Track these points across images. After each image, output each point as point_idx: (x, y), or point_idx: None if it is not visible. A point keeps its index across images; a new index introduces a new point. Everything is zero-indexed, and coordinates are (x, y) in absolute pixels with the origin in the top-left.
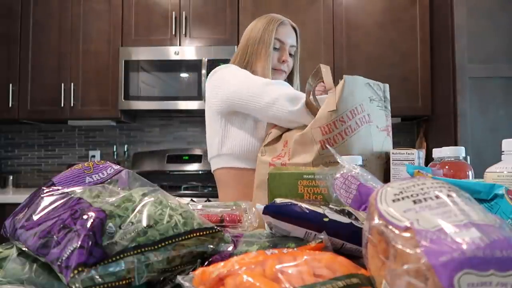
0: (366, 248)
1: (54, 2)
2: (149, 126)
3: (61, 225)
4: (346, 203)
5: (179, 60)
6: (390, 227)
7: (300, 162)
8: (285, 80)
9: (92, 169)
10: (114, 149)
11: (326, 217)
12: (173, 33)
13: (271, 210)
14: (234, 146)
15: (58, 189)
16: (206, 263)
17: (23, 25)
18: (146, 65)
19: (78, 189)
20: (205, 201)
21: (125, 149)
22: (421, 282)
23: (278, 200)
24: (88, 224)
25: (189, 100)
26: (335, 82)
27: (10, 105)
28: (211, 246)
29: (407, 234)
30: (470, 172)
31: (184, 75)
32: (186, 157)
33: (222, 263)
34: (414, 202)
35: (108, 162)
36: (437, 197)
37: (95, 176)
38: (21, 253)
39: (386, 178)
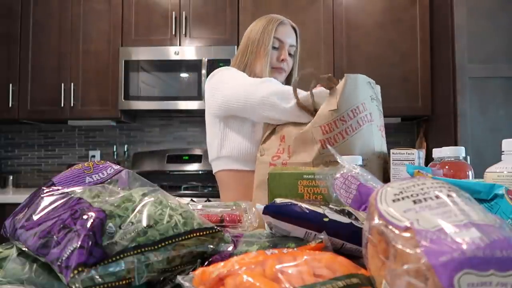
0: (366, 248)
1: (54, 2)
2: (149, 126)
3: (61, 225)
4: (346, 203)
5: (179, 60)
6: (390, 227)
7: (300, 161)
8: (284, 80)
9: (92, 169)
10: (114, 149)
11: (326, 217)
12: (173, 33)
13: (271, 210)
14: (232, 149)
15: (58, 189)
16: (206, 263)
17: (23, 25)
18: (146, 65)
19: (78, 189)
20: (205, 201)
21: (125, 149)
22: (421, 282)
23: (278, 200)
24: (88, 224)
25: (189, 100)
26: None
27: (10, 105)
28: (211, 246)
29: (407, 234)
30: (470, 172)
31: (184, 75)
32: (186, 157)
33: (222, 263)
34: (414, 202)
35: (108, 162)
36: (437, 197)
37: (95, 176)
38: (21, 253)
39: (385, 178)
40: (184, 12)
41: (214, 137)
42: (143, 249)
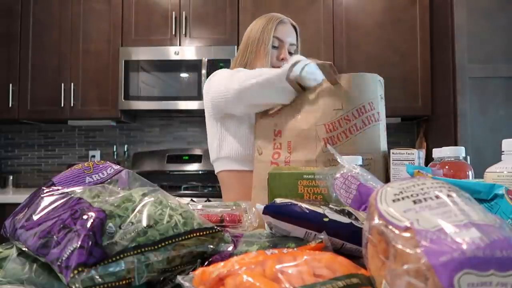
0: (366, 248)
1: (54, 1)
2: (149, 126)
3: (61, 225)
4: (346, 203)
5: (179, 60)
6: (390, 227)
7: (302, 159)
8: None
9: (92, 169)
10: (114, 149)
11: (326, 217)
12: (173, 33)
13: (271, 210)
14: (231, 150)
15: (58, 189)
16: (206, 263)
17: (23, 24)
18: (146, 65)
19: (78, 189)
20: (205, 201)
21: (125, 149)
22: (421, 282)
23: (278, 200)
24: (88, 224)
25: (189, 100)
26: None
27: (10, 105)
28: (211, 246)
29: (407, 234)
30: (470, 172)
31: (184, 75)
32: (186, 157)
33: (222, 263)
34: (414, 202)
35: (108, 162)
36: (437, 197)
37: (95, 176)
38: (21, 253)
39: (385, 178)
40: (184, 12)
41: (213, 138)
42: (143, 249)
